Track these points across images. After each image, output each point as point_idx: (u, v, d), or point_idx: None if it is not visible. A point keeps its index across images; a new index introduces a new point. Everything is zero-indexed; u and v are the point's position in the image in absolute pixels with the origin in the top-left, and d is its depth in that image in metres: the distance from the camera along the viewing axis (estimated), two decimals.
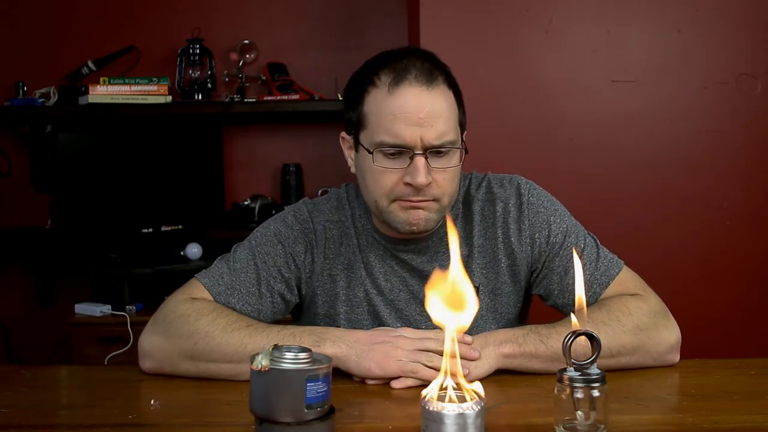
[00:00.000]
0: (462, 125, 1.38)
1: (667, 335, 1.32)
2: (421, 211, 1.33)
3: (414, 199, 1.32)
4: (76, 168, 2.98)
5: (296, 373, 0.93)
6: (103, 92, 2.91)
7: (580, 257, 1.36)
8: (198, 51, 3.05)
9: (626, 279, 1.40)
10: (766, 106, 2.51)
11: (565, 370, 0.96)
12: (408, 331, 1.26)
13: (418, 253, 1.43)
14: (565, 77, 2.53)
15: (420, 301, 1.42)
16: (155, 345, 1.30)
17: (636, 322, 1.30)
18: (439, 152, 1.31)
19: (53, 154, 2.95)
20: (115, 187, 3.00)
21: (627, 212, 2.53)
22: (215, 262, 1.43)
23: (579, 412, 0.95)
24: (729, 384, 1.23)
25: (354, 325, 1.43)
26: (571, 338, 0.96)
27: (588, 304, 1.35)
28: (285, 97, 3.00)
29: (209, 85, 3.08)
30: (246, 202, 3.08)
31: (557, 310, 1.44)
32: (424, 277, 1.42)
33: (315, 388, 0.94)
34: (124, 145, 3.04)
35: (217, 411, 1.14)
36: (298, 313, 1.52)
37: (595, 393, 0.95)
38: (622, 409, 1.07)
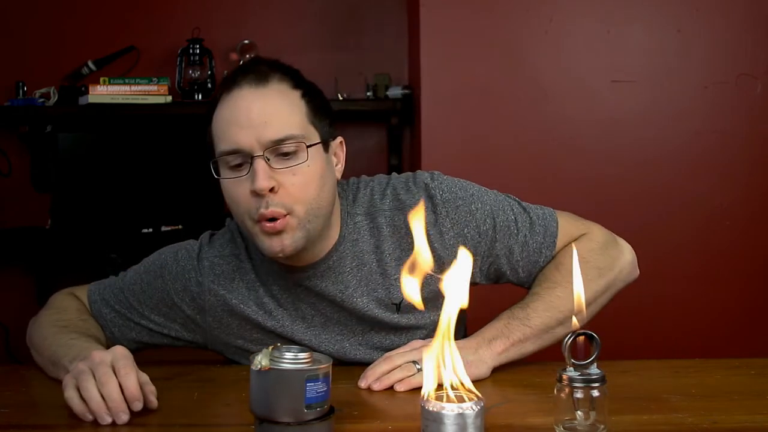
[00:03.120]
0: (320, 129, 1.27)
1: (623, 259, 1.38)
2: (283, 234, 1.22)
3: (266, 213, 1.20)
4: (76, 168, 2.98)
5: (296, 373, 0.93)
6: (103, 92, 2.91)
7: (516, 231, 1.35)
8: (198, 51, 3.05)
9: (565, 226, 1.38)
10: (766, 106, 2.51)
11: (564, 369, 0.96)
12: (102, 353, 1.11)
13: (320, 278, 1.33)
14: (565, 77, 2.53)
15: (336, 320, 1.36)
16: (30, 324, 1.41)
17: (595, 265, 1.33)
18: (285, 153, 1.21)
19: (53, 154, 2.95)
20: (115, 187, 3.00)
21: (627, 212, 2.53)
22: (111, 276, 1.47)
23: (579, 412, 0.95)
24: (729, 384, 1.23)
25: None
26: (571, 338, 0.96)
27: (539, 268, 1.37)
28: None
29: (209, 85, 3.07)
30: None
31: (513, 284, 1.41)
32: (331, 301, 1.34)
33: (315, 388, 0.94)
34: (124, 145, 3.04)
35: (217, 411, 1.14)
36: (218, 352, 1.46)
37: (595, 393, 0.95)
38: (622, 409, 1.07)
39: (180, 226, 3.01)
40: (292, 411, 0.93)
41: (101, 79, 2.94)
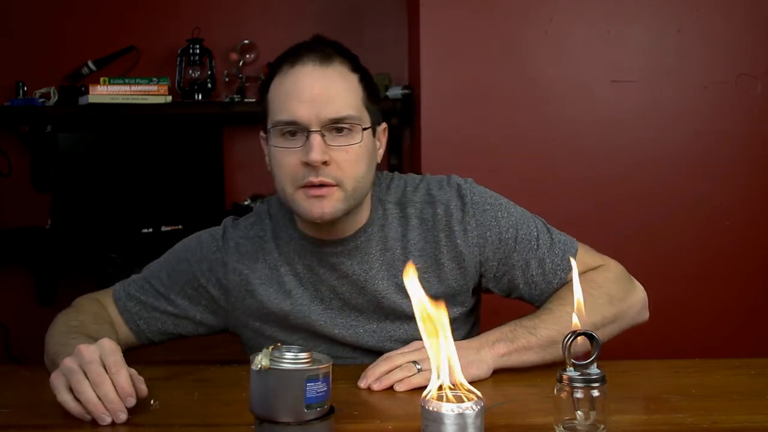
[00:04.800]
0: (371, 113, 1.33)
1: (636, 296, 1.39)
2: (324, 201, 1.27)
3: (314, 181, 1.26)
4: (76, 168, 2.98)
5: (296, 373, 0.93)
6: (103, 92, 2.90)
7: (536, 247, 1.37)
8: (198, 51, 3.05)
9: (584, 255, 1.41)
10: (766, 106, 2.51)
11: (565, 369, 0.96)
12: (90, 348, 1.09)
13: (347, 255, 1.37)
14: (565, 77, 2.53)
15: (352, 306, 1.39)
16: (53, 323, 1.41)
17: (607, 292, 1.34)
18: (339, 130, 1.27)
19: (53, 154, 2.95)
20: (115, 187, 3.00)
21: (627, 212, 2.53)
22: (134, 274, 1.50)
23: (579, 412, 0.95)
24: (729, 384, 1.23)
25: (289, 336, 1.40)
26: (571, 338, 0.96)
27: (554, 289, 1.38)
28: None
29: (209, 85, 3.07)
30: (246, 202, 3.08)
31: (524, 302, 1.43)
32: (354, 282, 1.38)
33: (315, 388, 0.94)
34: (124, 145, 3.04)
35: (217, 411, 1.14)
36: (236, 333, 1.49)
37: (595, 393, 0.95)
38: (622, 409, 1.07)
39: (180, 226, 3.01)
40: (292, 411, 0.93)
41: (101, 79, 2.94)
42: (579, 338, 0.96)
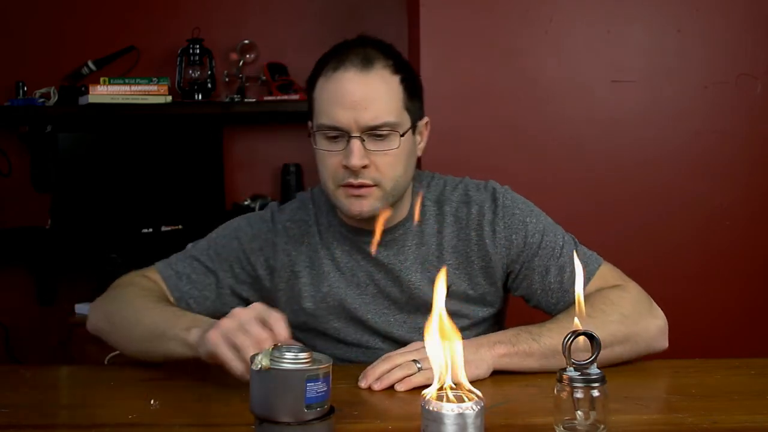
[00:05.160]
0: (412, 112, 1.38)
1: (653, 320, 1.36)
2: (363, 200, 1.35)
3: (354, 182, 1.33)
4: (76, 168, 2.98)
5: (296, 373, 0.93)
6: (103, 92, 2.91)
7: (559, 255, 1.39)
8: (198, 51, 3.05)
9: (606, 273, 1.42)
10: (766, 106, 2.51)
11: (564, 369, 0.96)
12: (244, 310, 1.15)
13: (384, 246, 1.44)
14: (565, 77, 2.53)
15: (386, 294, 1.45)
16: (94, 307, 1.43)
17: (620, 310, 1.32)
18: (378, 135, 1.33)
19: (53, 154, 2.95)
20: (115, 187, 3.00)
21: (627, 212, 2.53)
22: (173, 254, 1.51)
23: (579, 412, 0.95)
24: (729, 384, 1.23)
25: (321, 318, 1.46)
26: (571, 338, 0.96)
27: (570, 302, 1.37)
28: (285, 97, 3.00)
29: (209, 85, 3.08)
30: (246, 202, 3.08)
31: (542, 310, 1.45)
32: (389, 271, 1.44)
33: (315, 388, 0.94)
34: (124, 145, 3.04)
35: (217, 411, 1.14)
36: None
37: (595, 393, 0.95)
38: (622, 409, 1.07)
39: (180, 226, 3.01)
40: (292, 411, 0.93)
41: (101, 79, 2.94)
42: (579, 338, 0.96)
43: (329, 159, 1.35)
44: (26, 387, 1.28)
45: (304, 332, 1.49)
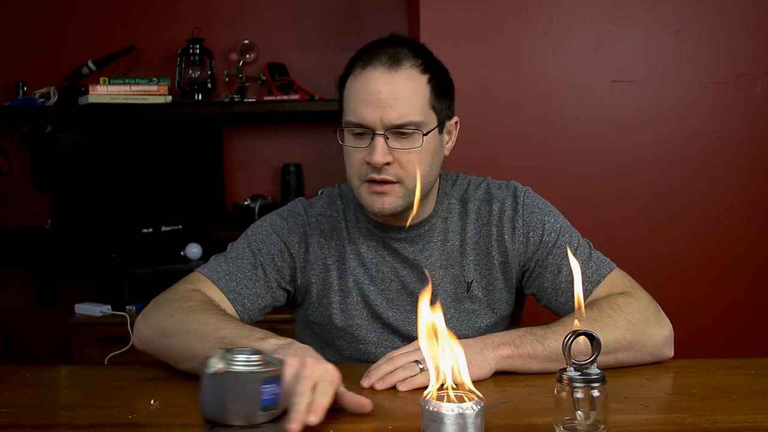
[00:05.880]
0: (438, 111, 1.40)
1: (659, 329, 1.35)
2: (385, 197, 1.37)
3: (377, 178, 1.35)
4: (76, 168, 2.98)
5: (252, 375, 0.92)
6: (103, 92, 2.91)
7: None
8: (198, 51, 3.05)
9: (616, 279, 1.43)
10: (766, 106, 2.51)
11: (565, 369, 0.96)
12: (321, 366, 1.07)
13: (410, 242, 1.47)
14: (565, 77, 2.53)
15: (410, 291, 1.47)
16: (143, 322, 1.36)
17: (627, 317, 1.32)
18: (403, 133, 1.35)
19: (53, 154, 2.95)
20: (115, 187, 3.00)
21: (627, 212, 2.53)
22: (211, 259, 1.48)
23: (579, 412, 0.95)
24: (729, 384, 1.23)
25: (346, 314, 1.47)
26: (571, 338, 0.96)
27: None
28: (285, 97, 3.00)
29: (209, 85, 3.08)
30: (246, 202, 3.08)
31: (551, 310, 1.46)
32: (414, 267, 1.46)
33: (270, 390, 0.93)
34: (124, 145, 3.04)
35: None
36: (295, 306, 1.55)
37: (595, 393, 0.95)
38: (622, 409, 1.07)
39: (180, 226, 3.01)
40: (246, 414, 0.92)
41: (101, 79, 2.94)
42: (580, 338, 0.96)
43: (354, 155, 1.38)
44: (26, 387, 1.28)
45: (326, 328, 1.50)
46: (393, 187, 1.37)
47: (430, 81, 1.38)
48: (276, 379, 0.94)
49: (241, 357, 0.93)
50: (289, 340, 1.16)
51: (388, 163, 1.35)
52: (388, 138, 1.34)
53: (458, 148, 2.55)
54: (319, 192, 1.60)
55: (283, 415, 0.96)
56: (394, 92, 1.34)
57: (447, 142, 1.47)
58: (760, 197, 2.53)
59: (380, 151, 1.34)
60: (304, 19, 3.18)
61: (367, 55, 1.38)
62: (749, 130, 2.52)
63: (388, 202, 1.37)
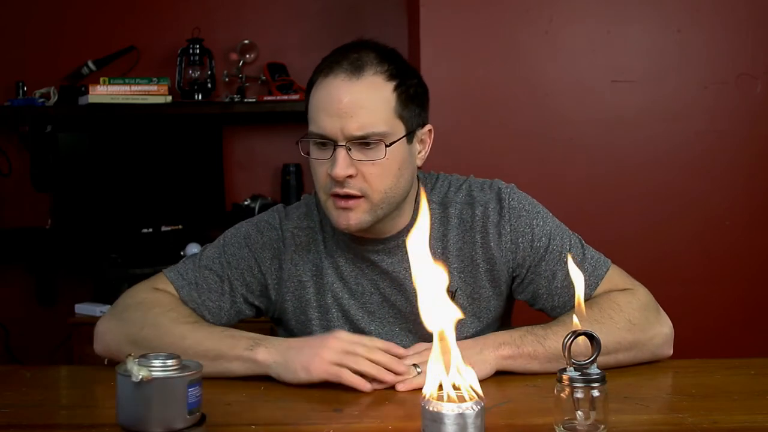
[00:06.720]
0: (407, 120, 1.32)
1: (660, 328, 1.34)
2: (350, 213, 1.30)
3: (339, 192, 1.29)
4: (76, 168, 2.98)
5: (179, 379, 0.93)
6: (103, 92, 2.90)
7: (565, 260, 1.37)
8: (198, 51, 3.05)
9: (614, 276, 1.40)
10: (766, 106, 2.51)
11: (565, 370, 0.96)
12: (342, 334, 1.24)
13: (387, 254, 1.40)
14: (565, 77, 2.53)
15: (391, 303, 1.41)
16: (108, 328, 1.35)
17: (628, 317, 1.31)
18: (366, 144, 1.28)
19: (53, 154, 2.95)
20: (115, 187, 3.00)
21: (627, 212, 2.53)
22: (182, 260, 1.46)
23: (579, 412, 0.95)
24: (729, 384, 1.23)
25: (326, 330, 1.40)
26: (571, 338, 0.96)
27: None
28: (285, 97, 3.00)
29: (209, 85, 3.07)
30: (246, 202, 3.08)
31: (545, 313, 1.43)
32: (394, 279, 1.40)
33: (194, 393, 0.94)
34: (124, 145, 3.04)
35: (217, 411, 1.14)
36: (275, 321, 1.51)
37: (595, 393, 0.95)
38: (622, 409, 1.07)
39: (180, 226, 3.01)
40: (174, 418, 0.93)
41: (101, 79, 2.94)
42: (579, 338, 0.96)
43: (318, 167, 1.31)
44: (26, 387, 1.28)
45: None
46: (358, 202, 1.29)
47: (396, 88, 1.31)
48: (198, 381, 0.94)
49: (158, 362, 0.93)
50: (273, 338, 1.21)
51: (350, 176, 1.28)
52: (350, 149, 1.27)
53: (458, 148, 2.57)
54: (302, 197, 1.54)
55: (203, 419, 0.96)
56: (355, 101, 1.27)
57: (420, 152, 1.39)
58: (760, 197, 2.53)
59: (341, 164, 1.26)
60: (304, 19, 3.18)
61: (329, 62, 1.32)
62: (749, 130, 2.52)
63: (353, 218, 1.30)
